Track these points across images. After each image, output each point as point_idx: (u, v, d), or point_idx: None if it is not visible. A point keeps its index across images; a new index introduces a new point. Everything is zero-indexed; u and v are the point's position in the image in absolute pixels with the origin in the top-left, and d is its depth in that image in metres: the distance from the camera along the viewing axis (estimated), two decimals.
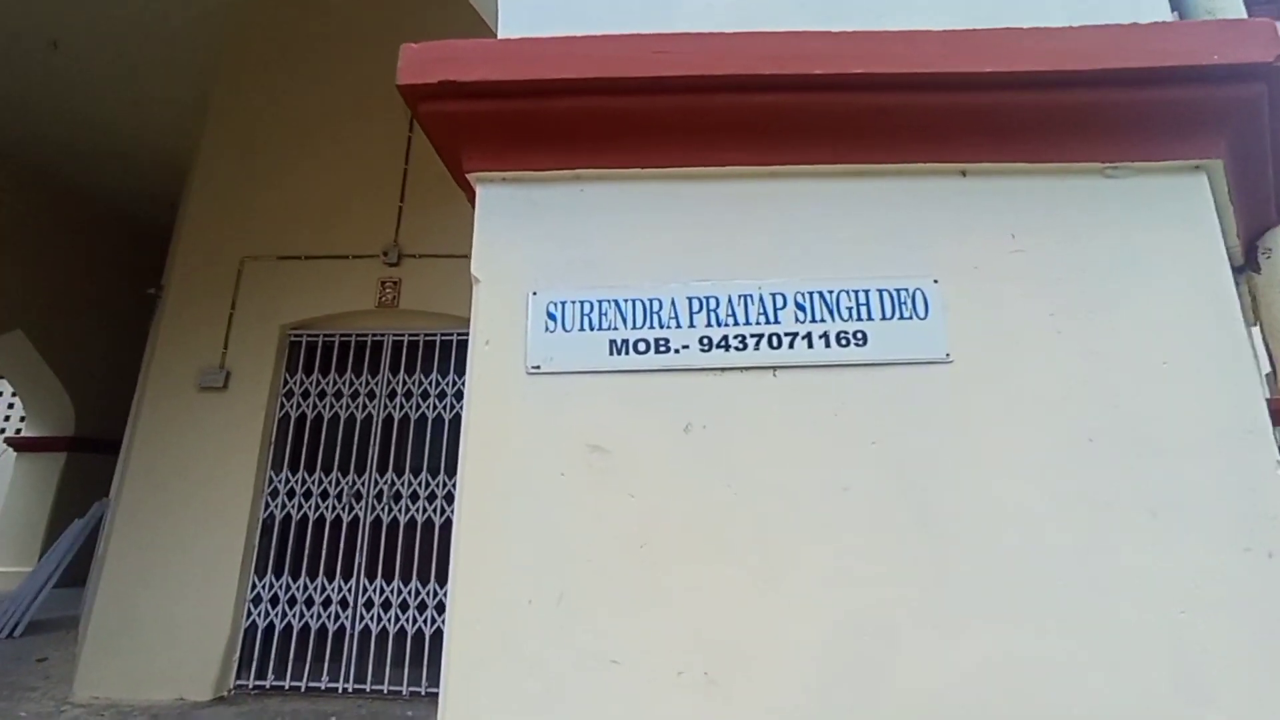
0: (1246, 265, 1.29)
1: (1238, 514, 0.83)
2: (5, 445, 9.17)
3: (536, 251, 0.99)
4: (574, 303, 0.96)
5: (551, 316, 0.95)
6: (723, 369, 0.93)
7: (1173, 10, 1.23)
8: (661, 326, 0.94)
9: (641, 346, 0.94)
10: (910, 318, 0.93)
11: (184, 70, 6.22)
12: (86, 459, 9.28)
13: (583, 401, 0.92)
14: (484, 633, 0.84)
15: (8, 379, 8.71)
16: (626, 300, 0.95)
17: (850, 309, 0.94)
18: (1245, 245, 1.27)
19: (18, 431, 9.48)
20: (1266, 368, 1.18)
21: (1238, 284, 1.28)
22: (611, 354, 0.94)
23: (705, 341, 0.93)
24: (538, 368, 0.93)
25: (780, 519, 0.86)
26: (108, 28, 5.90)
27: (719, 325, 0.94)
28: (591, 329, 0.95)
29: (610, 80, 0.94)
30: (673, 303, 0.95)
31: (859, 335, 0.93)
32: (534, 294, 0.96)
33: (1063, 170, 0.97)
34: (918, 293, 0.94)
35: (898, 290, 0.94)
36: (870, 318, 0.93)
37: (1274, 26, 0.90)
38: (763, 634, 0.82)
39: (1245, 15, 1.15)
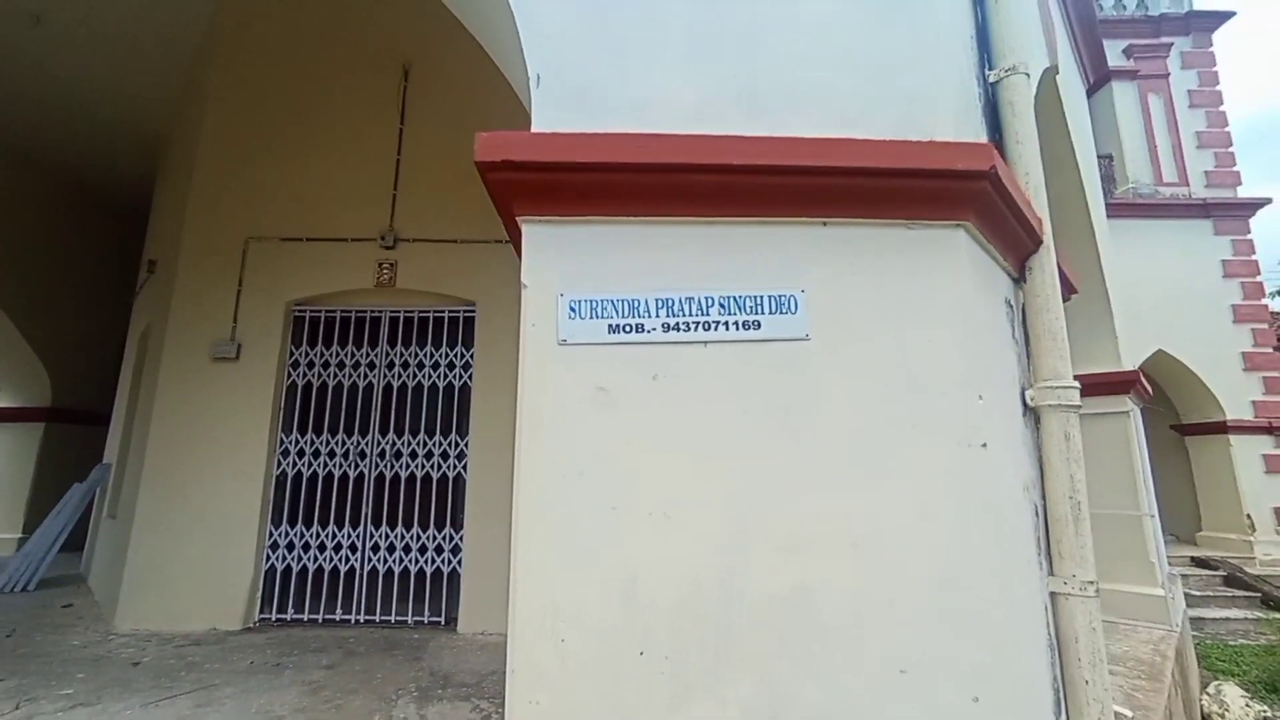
0: (1020, 279, 1.98)
1: (960, 427, 1.51)
2: None
3: (563, 268, 1.58)
4: (586, 301, 1.56)
5: (573, 310, 1.56)
6: (676, 343, 1.55)
7: (990, 133, 1.89)
8: (639, 316, 1.56)
9: (627, 329, 1.55)
10: (787, 313, 1.57)
11: (165, 47, 6.38)
12: (66, 429, 9.45)
13: (592, 362, 1.54)
14: (539, 495, 1.46)
15: None
16: (618, 300, 1.56)
17: (752, 306, 1.57)
18: (1018, 265, 1.96)
19: None
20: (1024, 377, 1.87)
21: (1018, 292, 1.98)
22: (610, 333, 1.55)
23: (666, 325, 1.55)
24: (565, 341, 1.54)
25: (708, 429, 1.50)
26: (89, 1, 6.02)
27: (673, 316, 1.56)
28: (596, 317, 1.55)
29: (609, 164, 1.54)
30: (645, 302, 1.57)
31: (756, 323, 1.56)
32: (561, 295, 1.56)
33: (883, 224, 1.62)
34: (792, 298, 1.58)
35: (780, 296, 1.58)
36: (763, 312, 1.57)
37: (991, 149, 1.55)
38: (696, 491, 1.47)
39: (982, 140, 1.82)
